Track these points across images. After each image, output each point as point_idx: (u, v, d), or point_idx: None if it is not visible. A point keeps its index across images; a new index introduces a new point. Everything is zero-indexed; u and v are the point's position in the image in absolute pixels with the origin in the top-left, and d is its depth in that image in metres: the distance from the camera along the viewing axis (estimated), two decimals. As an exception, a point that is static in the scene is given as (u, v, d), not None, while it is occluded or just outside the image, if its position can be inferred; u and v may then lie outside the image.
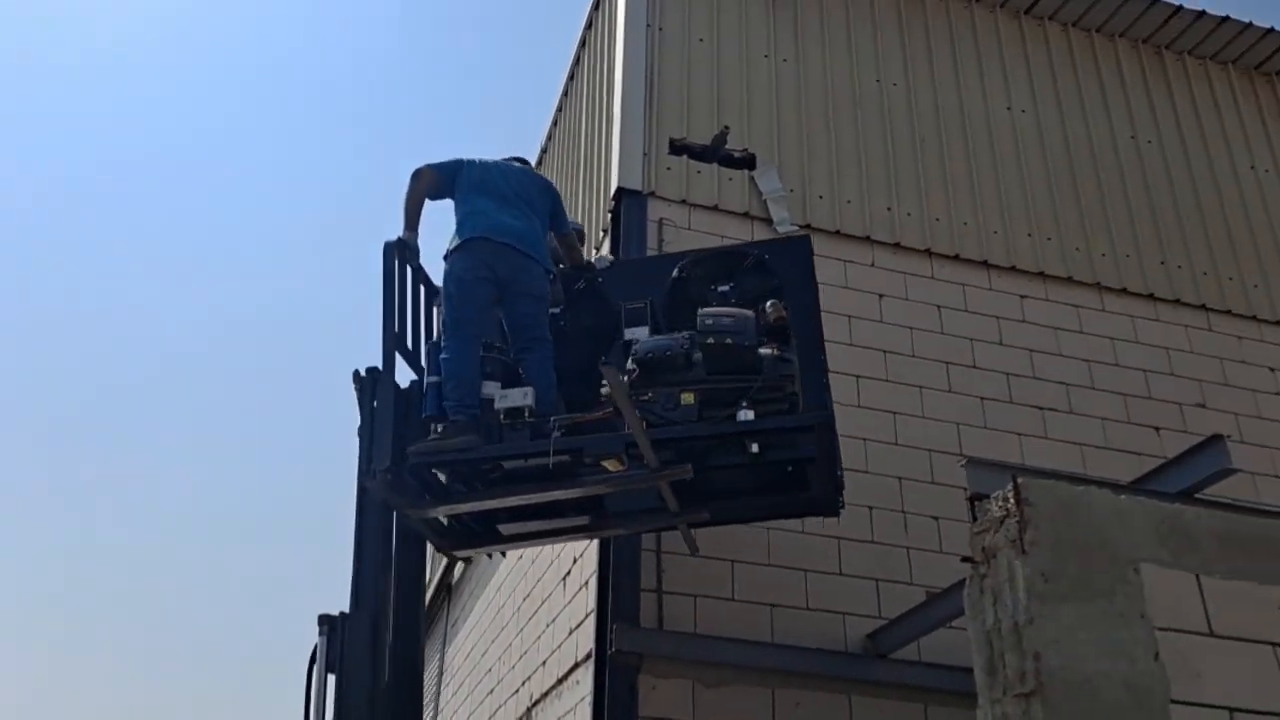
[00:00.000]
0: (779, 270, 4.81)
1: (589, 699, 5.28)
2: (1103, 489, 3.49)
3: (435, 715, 10.65)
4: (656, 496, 4.49)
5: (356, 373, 4.55)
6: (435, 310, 5.01)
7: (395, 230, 4.81)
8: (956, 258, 6.78)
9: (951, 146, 7.28)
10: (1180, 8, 8.02)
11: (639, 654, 5.18)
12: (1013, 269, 6.89)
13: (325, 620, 4.49)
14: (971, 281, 6.73)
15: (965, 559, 3.41)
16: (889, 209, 6.83)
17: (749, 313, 4.41)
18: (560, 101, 8.98)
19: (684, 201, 6.51)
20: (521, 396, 4.33)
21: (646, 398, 4.19)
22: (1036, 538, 3.19)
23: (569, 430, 4.31)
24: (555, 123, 9.18)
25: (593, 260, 5.26)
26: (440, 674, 10.87)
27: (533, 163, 9.83)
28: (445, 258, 4.81)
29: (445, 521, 4.75)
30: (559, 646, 6.18)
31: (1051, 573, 3.15)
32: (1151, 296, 7.10)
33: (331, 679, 4.46)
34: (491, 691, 8.04)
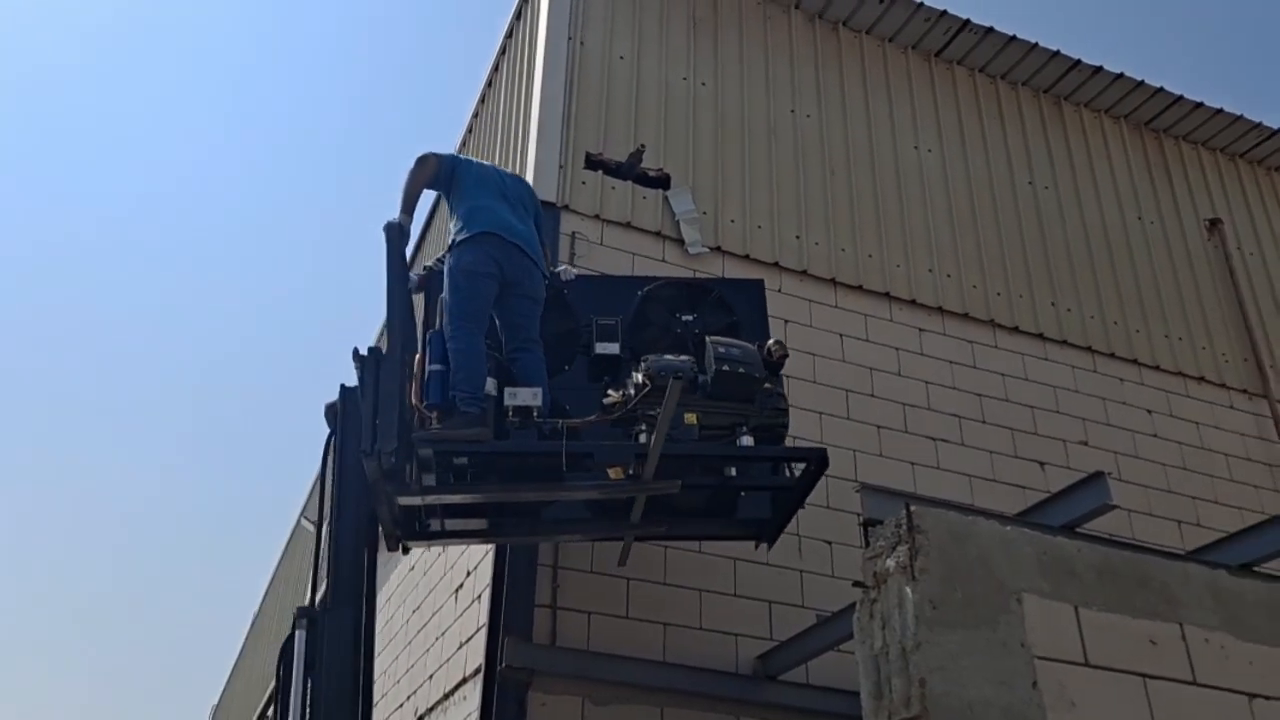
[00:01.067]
0: (736, 307, 5.06)
1: (476, 715, 5.19)
2: (990, 519, 3.60)
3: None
4: (619, 506, 4.64)
5: (356, 351, 4.45)
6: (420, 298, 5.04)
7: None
8: (860, 288, 6.93)
9: (859, 180, 7.45)
10: (1078, 62, 8.39)
11: (530, 670, 5.11)
12: (913, 302, 7.08)
13: (304, 613, 4.22)
14: (874, 312, 6.89)
15: (856, 583, 3.47)
16: (797, 236, 6.95)
17: (753, 346, 4.65)
18: (477, 108, 8.90)
19: (597, 217, 6.50)
20: (531, 396, 4.38)
21: (653, 413, 4.27)
22: (926, 565, 3.26)
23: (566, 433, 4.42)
24: (470, 129, 9.09)
25: (559, 271, 5.29)
26: (322, 686, 10.56)
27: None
28: (451, 248, 4.79)
29: (400, 511, 4.65)
30: (448, 660, 6.07)
31: (940, 599, 3.22)
32: (1041, 336, 7.38)
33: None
34: (376, 704, 7.83)
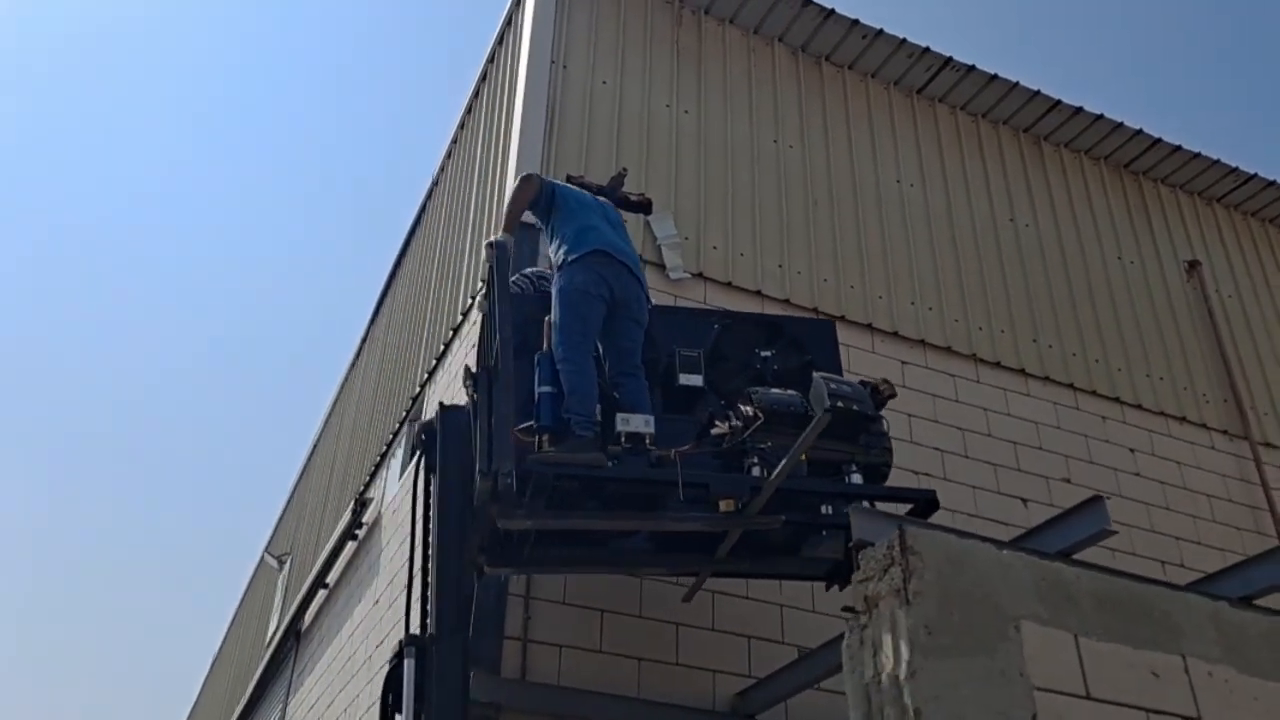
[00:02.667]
0: (809, 346, 5.07)
1: (440, 753, 4.93)
2: (986, 543, 3.45)
3: (270, 771, 9.94)
4: (706, 541, 4.57)
5: (469, 369, 4.40)
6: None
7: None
8: (842, 318, 6.82)
9: (842, 212, 7.39)
10: (1059, 102, 8.42)
11: (497, 705, 4.88)
12: (895, 334, 6.98)
13: (413, 642, 4.02)
14: (855, 343, 6.77)
15: (846, 608, 3.29)
16: (780, 265, 6.85)
17: (861, 384, 4.67)
18: (456, 134, 8.80)
19: (577, 240, 6.38)
20: (644, 423, 4.33)
21: (766, 445, 4.27)
22: (921, 588, 3.10)
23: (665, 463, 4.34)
24: (449, 154, 8.99)
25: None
26: (280, 727, 10.18)
27: (426, 189, 9.62)
28: (559, 268, 4.76)
29: (491, 536, 4.48)
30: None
31: (935, 625, 3.06)
32: (1023, 372, 7.30)
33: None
34: (335, 745, 7.52)
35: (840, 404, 4.30)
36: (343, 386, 12.62)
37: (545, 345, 4.70)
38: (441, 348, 7.41)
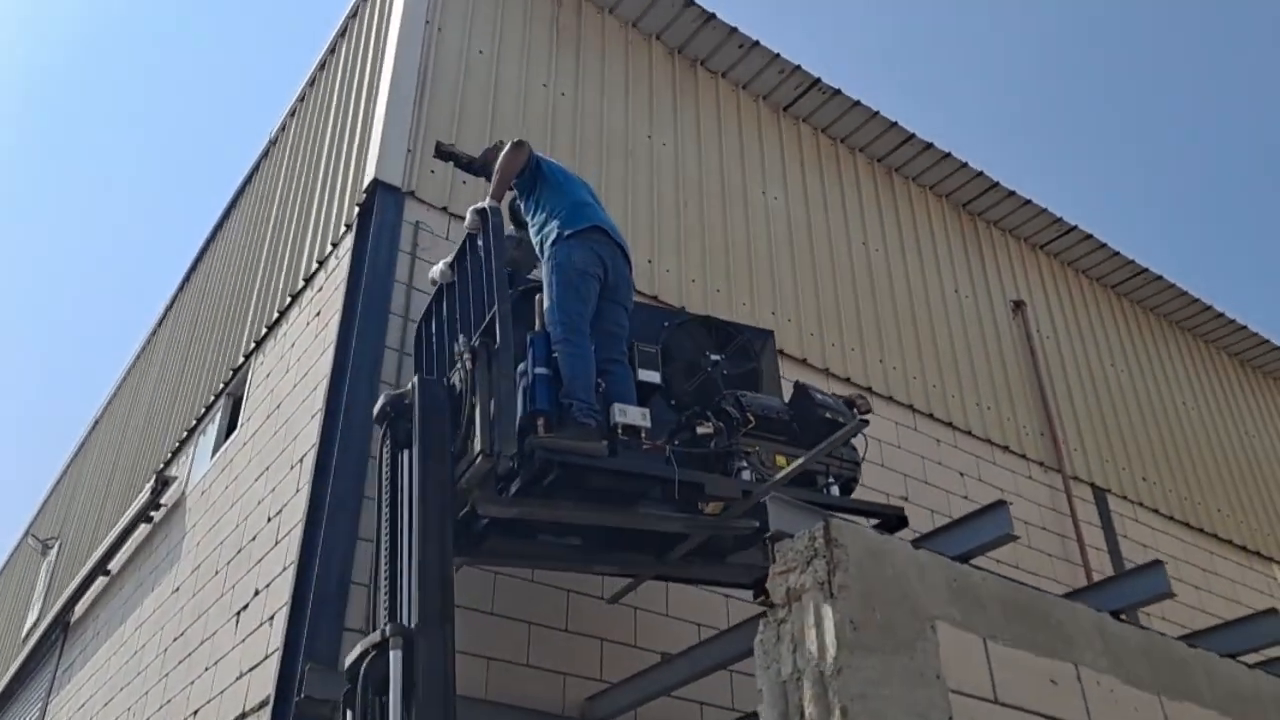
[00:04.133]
0: (756, 356, 5.05)
1: (258, 756, 4.41)
2: (902, 541, 3.36)
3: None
4: (665, 542, 4.58)
5: (468, 343, 4.16)
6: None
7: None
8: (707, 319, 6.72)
9: (711, 214, 7.32)
10: (912, 135, 8.70)
11: (334, 703, 4.39)
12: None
13: (399, 632, 3.56)
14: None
15: (762, 601, 3.11)
16: (650, 261, 6.69)
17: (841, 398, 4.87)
18: (305, 91, 8.17)
19: (445, 209, 5.99)
20: (640, 416, 4.23)
21: (754, 450, 4.30)
22: (846, 581, 2.95)
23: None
24: (293, 112, 8.33)
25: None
26: (35, 729, 9.04)
27: (261, 148, 8.89)
28: (553, 242, 4.55)
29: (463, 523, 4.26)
30: (221, 693, 5.20)
31: (860, 620, 2.92)
32: (870, 390, 7.43)
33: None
34: (113, 749, 6.69)
35: (828, 414, 4.45)
36: (139, 357, 11.49)
37: (537, 324, 4.48)
38: (276, 315, 6.80)
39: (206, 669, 5.54)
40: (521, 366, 4.29)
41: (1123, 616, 3.83)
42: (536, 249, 4.82)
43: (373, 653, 3.61)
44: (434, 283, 5.04)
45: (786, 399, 4.89)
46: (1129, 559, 8.18)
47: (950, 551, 3.58)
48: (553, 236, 4.59)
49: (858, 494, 4.91)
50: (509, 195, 5.10)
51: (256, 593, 5.26)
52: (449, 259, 4.95)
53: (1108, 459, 8.81)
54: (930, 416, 7.69)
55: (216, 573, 5.99)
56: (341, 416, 5.17)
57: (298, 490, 5.26)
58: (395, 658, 3.51)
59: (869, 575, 3.01)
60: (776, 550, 3.15)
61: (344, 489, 4.96)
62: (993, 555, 7.30)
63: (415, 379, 4.31)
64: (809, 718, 2.79)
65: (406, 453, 4.15)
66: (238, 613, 5.40)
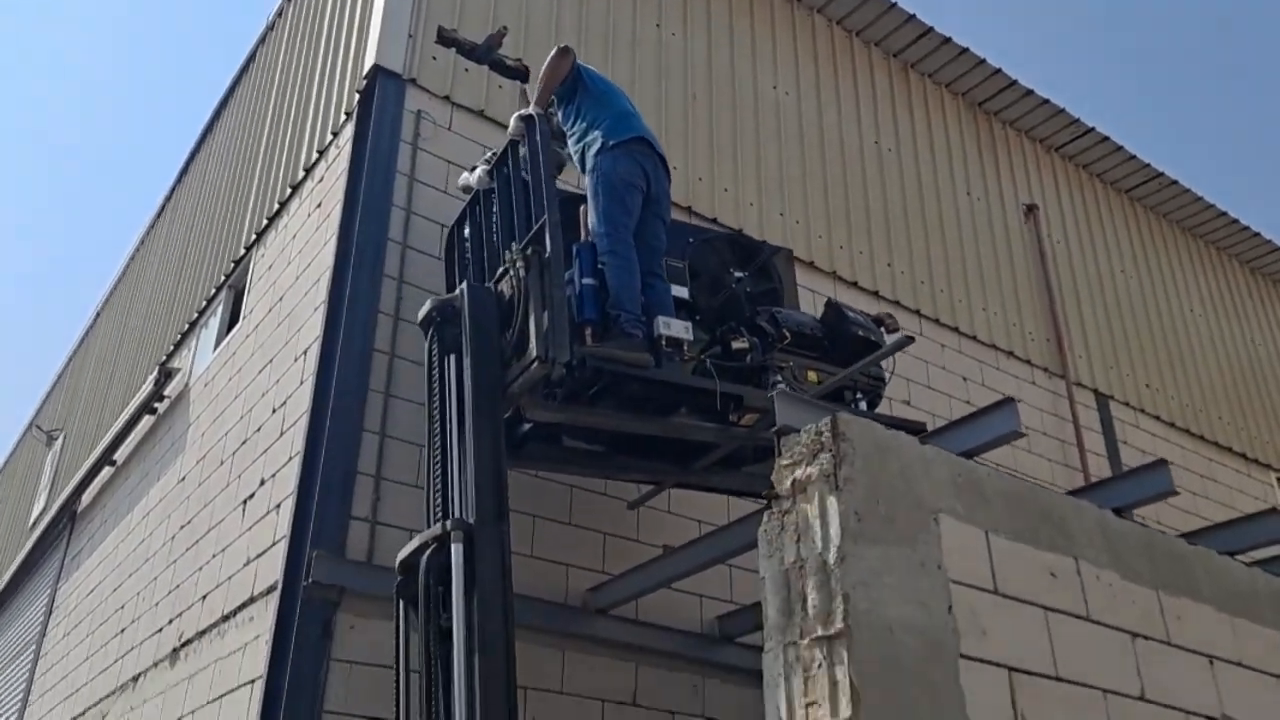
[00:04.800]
0: (775, 275, 5.08)
1: (266, 637, 4.50)
2: (909, 436, 3.35)
3: (36, 661, 9.04)
4: (692, 452, 4.81)
5: (521, 249, 4.14)
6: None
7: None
8: (715, 221, 6.64)
9: (720, 109, 7.15)
10: (930, 29, 8.45)
11: (340, 588, 4.48)
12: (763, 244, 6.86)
13: (460, 526, 3.70)
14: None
15: (766, 494, 3.12)
16: (657, 156, 6.55)
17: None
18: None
19: (447, 99, 5.85)
20: (683, 330, 4.28)
21: (788, 364, 4.38)
22: (852, 474, 2.95)
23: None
24: (292, -2, 8.08)
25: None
26: (49, 613, 9.25)
27: (258, 34, 8.64)
28: (596, 152, 4.53)
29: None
30: (229, 579, 5.29)
31: (864, 512, 2.92)
32: (877, 294, 7.37)
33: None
34: (122, 632, 6.85)
35: (860, 332, 4.57)
36: (138, 248, 11.40)
37: (583, 234, 4.52)
38: (276, 207, 6.70)
39: (214, 555, 5.62)
40: (567, 275, 4.31)
41: (1123, 515, 3.86)
42: (575, 158, 4.81)
43: (433, 545, 3.73)
44: (468, 190, 5.01)
45: (801, 312, 5.00)
46: (1128, 465, 8.22)
47: (956, 448, 3.58)
48: (596, 147, 4.55)
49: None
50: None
51: (262, 482, 5.30)
52: (485, 164, 4.89)
53: (1112, 365, 8.79)
54: (936, 321, 7.64)
55: (222, 463, 6.03)
56: (345, 309, 5.13)
57: (302, 382, 5.25)
58: (456, 551, 3.64)
59: (875, 469, 3.01)
60: (783, 444, 3.14)
61: (348, 381, 4.95)
62: (991, 459, 7.33)
63: (464, 286, 4.32)
64: (811, 604, 2.82)
65: (452, 357, 4.22)
66: (244, 501, 5.45)
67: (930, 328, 7.60)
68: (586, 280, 4.26)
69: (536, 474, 5.20)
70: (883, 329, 4.85)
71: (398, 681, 3.78)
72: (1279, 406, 10.19)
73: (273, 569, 4.73)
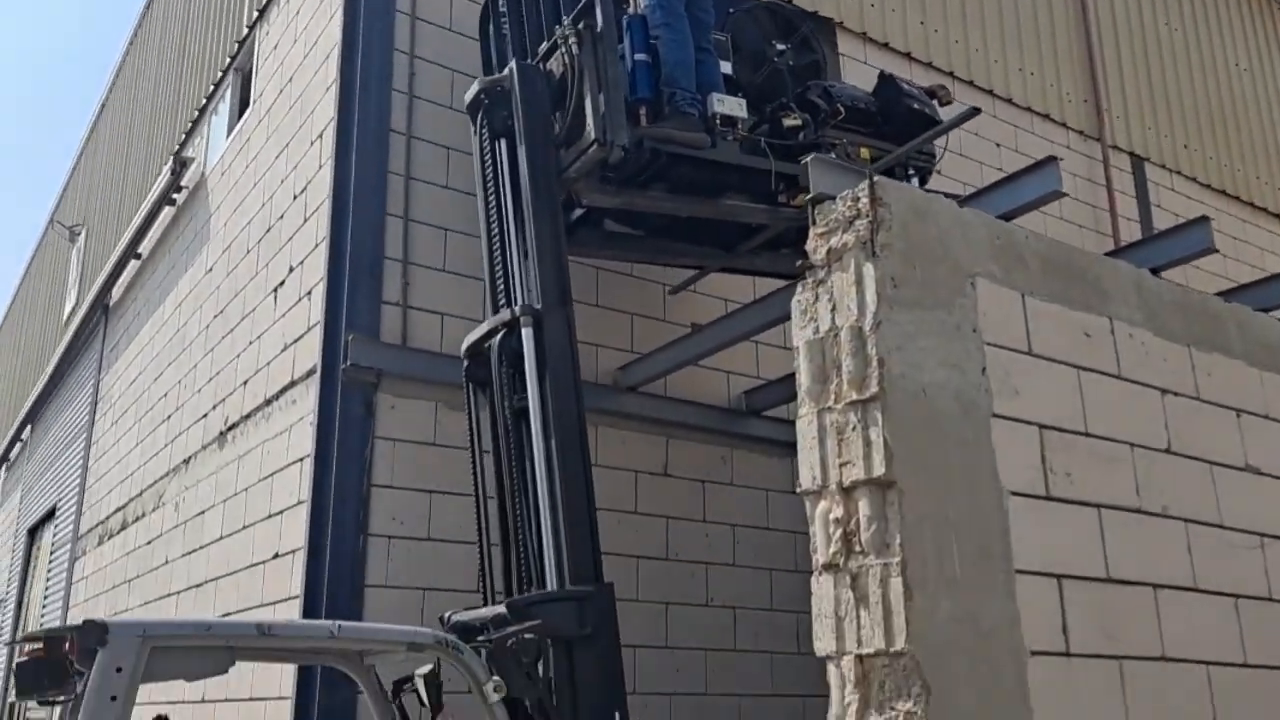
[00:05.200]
0: (816, 47, 4.86)
1: (311, 418, 4.64)
2: (947, 198, 3.28)
3: (88, 448, 9.45)
4: (742, 235, 4.82)
5: (572, 24, 3.97)
6: None
7: None
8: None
9: None
10: None
11: (377, 370, 4.57)
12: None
13: (528, 311, 3.77)
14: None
15: (801, 264, 3.09)
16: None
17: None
18: None
19: None
20: (737, 106, 4.13)
21: (840, 142, 4.25)
22: (889, 241, 2.90)
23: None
24: None
25: None
26: (94, 403, 9.58)
27: None
28: None
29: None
30: (268, 364, 5.40)
31: (900, 278, 2.89)
32: (909, 56, 7.05)
33: None
34: (168, 419, 7.09)
35: (916, 105, 4.48)
36: (137, 31, 10.99)
37: (631, 5, 4.31)
38: (277, -18, 6.37)
39: (250, 343, 5.72)
40: (618, 50, 4.11)
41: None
42: None
43: (503, 330, 3.80)
44: None
45: (853, 86, 4.84)
46: (1159, 229, 8.10)
47: (995, 211, 3.51)
48: None
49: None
50: None
51: (291, 269, 5.31)
52: None
53: (1149, 126, 8.49)
54: (970, 84, 7.34)
55: (248, 251, 6.04)
56: (357, 87, 4.96)
57: (320, 166, 5.16)
58: (528, 335, 3.71)
59: (912, 234, 2.96)
60: (818, 212, 3.08)
61: (368, 164, 4.86)
62: (1021, 225, 7.25)
63: (513, 65, 4.13)
64: (846, 371, 2.84)
65: (503, 141, 4.10)
66: (274, 289, 5.49)
67: (964, 90, 7.29)
68: (639, 56, 4.07)
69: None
70: (935, 101, 4.76)
71: (474, 460, 3.92)
72: (1319, 164, 9.89)
73: (310, 354, 4.81)
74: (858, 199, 2.96)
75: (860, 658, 2.61)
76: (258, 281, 5.80)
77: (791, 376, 5.34)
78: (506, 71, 4.13)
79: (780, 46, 4.71)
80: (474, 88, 4.16)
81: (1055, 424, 3.08)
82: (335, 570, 4.37)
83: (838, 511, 2.76)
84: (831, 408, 2.85)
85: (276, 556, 4.84)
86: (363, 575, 4.39)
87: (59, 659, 2.63)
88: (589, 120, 3.82)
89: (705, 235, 4.74)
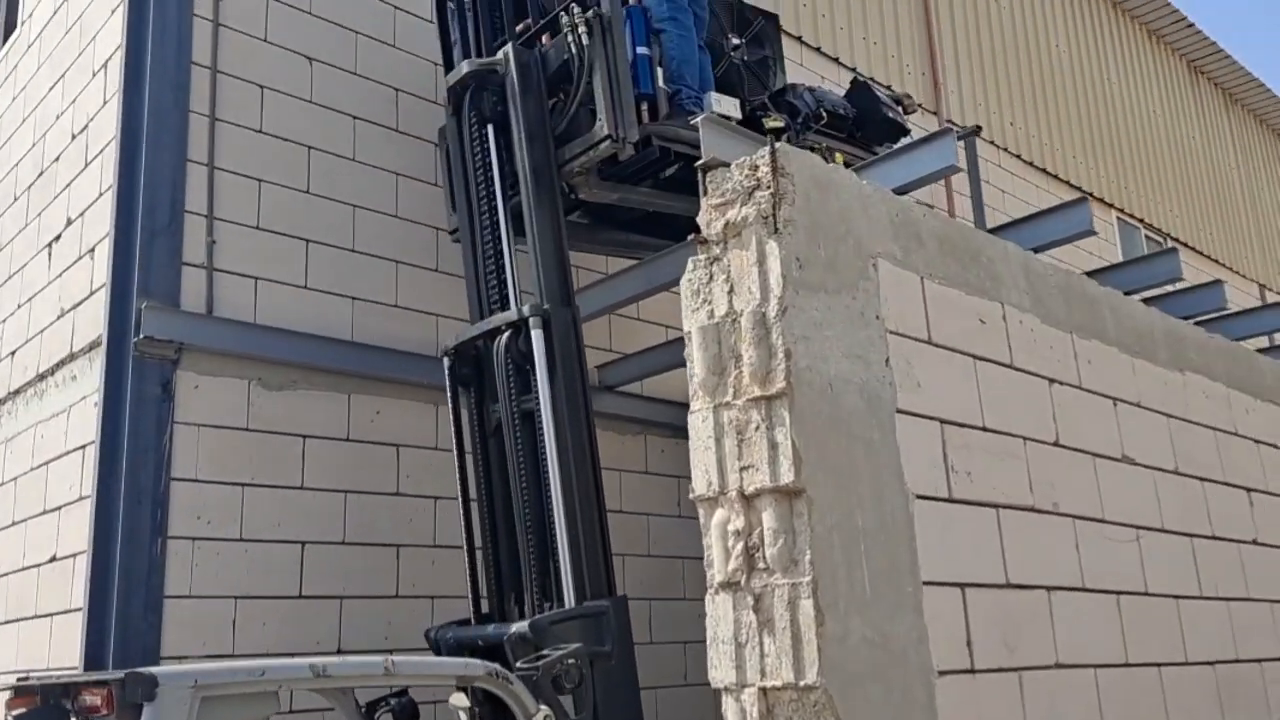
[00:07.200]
0: (767, 43, 4.85)
1: (95, 398, 3.94)
2: (847, 170, 2.99)
3: None
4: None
5: (580, 10, 3.76)
6: None
7: None
8: None
9: None
10: None
11: (178, 344, 3.92)
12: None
13: (537, 313, 3.63)
14: None
15: (695, 236, 2.73)
16: None
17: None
18: None
19: None
20: (733, 106, 4.07)
21: (819, 146, 4.18)
22: (792, 216, 2.58)
23: None
24: None
25: None
26: None
27: None
28: None
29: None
30: (41, 333, 4.60)
31: (806, 258, 2.59)
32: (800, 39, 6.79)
33: None
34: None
35: (891, 114, 4.61)
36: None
37: None
38: (48, -119, 5.41)
39: (19, 305, 4.88)
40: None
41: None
42: None
43: (507, 331, 3.62)
44: None
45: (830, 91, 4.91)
46: (989, 204, 8.23)
47: (890, 184, 3.26)
48: None
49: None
50: None
51: (69, 222, 4.52)
52: None
53: (980, 103, 8.62)
54: (818, 50, 7.18)
55: (16, 198, 5.15)
56: (151, 10, 4.23)
57: (105, 102, 4.39)
58: (538, 338, 3.55)
59: (815, 209, 2.65)
60: (710, 181, 2.72)
61: (164, 101, 4.16)
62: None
63: (510, 50, 3.89)
64: (747, 362, 2.51)
65: (491, 128, 3.92)
66: (49, 244, 4.67)
67: (811, 57, 7.13)
68: (641, 50, 3.86)
69: (395, 213, 4.64)
70: (900, 108, 4.87)
71: (461, 464, 3.78)
72: (1123, 145, 10.38)
73: (94, 323, 4.10)
74: (757, 167, 2.62)
75: (764, 690, 2.31)
76: (28, 235, 4.94)
77: (645, 353, 5.08)
78: (500, 56, 3.88)
79: (735, 41, 4.64)
80: (461, 69, 3.91)
81: (955, 419, 2.87)
82: (126, 579, 3.73)
83: (738, 522, 2.44)
84: (730, 403, 2.52)
85: (54, 560, 4.13)
86: (161, 585, 3.77)
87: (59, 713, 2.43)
88: (600, 115, 3.64)
89: (661, 228, 4.53)
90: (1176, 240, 10.44)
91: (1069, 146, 9.51)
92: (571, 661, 3.00)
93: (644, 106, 3.75)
